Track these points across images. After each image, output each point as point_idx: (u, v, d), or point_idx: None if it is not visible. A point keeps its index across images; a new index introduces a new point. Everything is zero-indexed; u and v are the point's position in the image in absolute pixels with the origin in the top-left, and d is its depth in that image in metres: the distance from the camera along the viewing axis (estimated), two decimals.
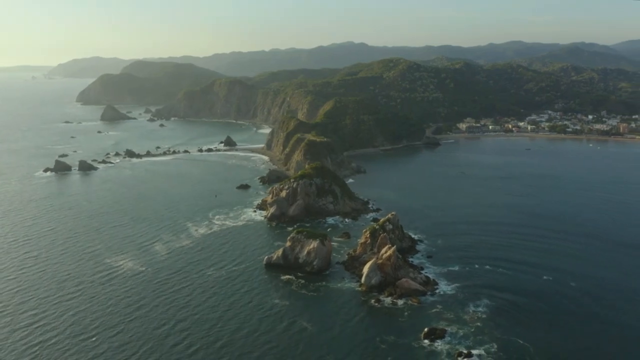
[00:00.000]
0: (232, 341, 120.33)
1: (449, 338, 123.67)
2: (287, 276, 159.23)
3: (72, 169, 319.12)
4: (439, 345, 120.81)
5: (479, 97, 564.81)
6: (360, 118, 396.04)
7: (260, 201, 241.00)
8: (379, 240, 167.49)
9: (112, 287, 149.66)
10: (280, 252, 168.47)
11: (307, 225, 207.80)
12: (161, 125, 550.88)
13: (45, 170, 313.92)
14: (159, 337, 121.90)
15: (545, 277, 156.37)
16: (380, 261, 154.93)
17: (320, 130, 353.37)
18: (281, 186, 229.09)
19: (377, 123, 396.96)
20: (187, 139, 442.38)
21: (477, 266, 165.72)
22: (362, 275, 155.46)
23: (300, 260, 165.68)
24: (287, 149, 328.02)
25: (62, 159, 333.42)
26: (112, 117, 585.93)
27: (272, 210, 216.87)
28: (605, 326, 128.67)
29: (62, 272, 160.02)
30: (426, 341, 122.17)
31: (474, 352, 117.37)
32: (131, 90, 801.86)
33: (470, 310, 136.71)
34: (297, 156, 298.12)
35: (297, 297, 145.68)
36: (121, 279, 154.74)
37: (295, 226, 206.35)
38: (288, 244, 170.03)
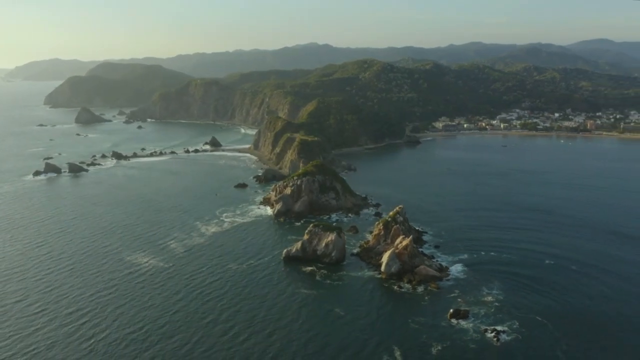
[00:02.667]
0: (278, 330, 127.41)
1: (473, 318, 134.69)
2: (308, 268, 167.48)
3: (62, 171, 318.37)
4: (465, 324, 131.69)
5: (451, 96, 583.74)
6: (343, 118, 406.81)
7: (262, 199, 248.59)
8: (392, 232, 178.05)
9: (144, 283, 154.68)
10: (299, 245, 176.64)
11: (313, 220, 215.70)
12: (139, 127, 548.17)
13: (35, 174, 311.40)
14: (207, 328, 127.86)
15: (547, 261, 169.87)
16: (398, 250, 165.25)
17: (307, 130, 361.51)
18: (285, 184, 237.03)
19: (360, 122, 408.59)
20: (170, 140, 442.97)
21: (483, 253, 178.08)
22: (380, 264, 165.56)
23: (319, 252, 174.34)
24: (278, 149, 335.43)
25: (49, 162, 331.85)
26: (87, 119, 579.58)
27: (278, 206, 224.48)
28: (612, 302, 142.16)
29: (91, 271, 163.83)
30: (453, 320, 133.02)
31: (499, 328, 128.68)
32: (101, 93, 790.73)
33: (486, 293, 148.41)
34: (291, 155, 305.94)
35: (324, 287, 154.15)
36: (151, 275, 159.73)
37: (302, 221, 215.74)
38: (306, 237, 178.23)
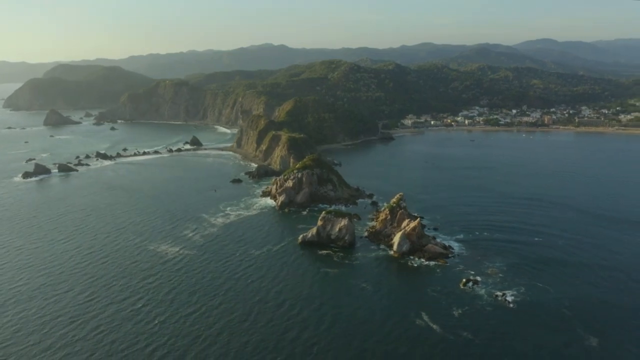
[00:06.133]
0: (325, 303, 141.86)
1: (483, 285, 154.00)
2: (324, 251, 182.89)
3: (52, 171, 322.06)
4: (478, 291, 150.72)
5: (415, 95, 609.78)
6: (321, 116, 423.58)
7: (261, 192, 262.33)
8: (398, 216, 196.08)
9: (184, 269, 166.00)
10: (314, 230, 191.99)
11: (316, 210, 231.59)
12: (112, 128, 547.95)
13: (25, 175, 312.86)
14: (260, 305, 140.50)
15: (536, 238, 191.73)
16: (407, 232, 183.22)
17: (288, 128, 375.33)
18: (285, 177, 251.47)
19: (337, 120, 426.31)
20: (148, 141, 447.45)
21: (477, 233, 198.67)
22: (391, 245, 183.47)
23: (333, 237, 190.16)
24: (264, 146, 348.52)
25: (32, 163, 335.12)
26: (56, 121, 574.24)
27: (281, 198, 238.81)
28: (595, 270, 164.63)
29: (128, 261, 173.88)
30: (467, 288, 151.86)
31: (508, 292, 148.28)
32: (62, 95, 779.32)
33: (489, 265, 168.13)
34: (281, 151, 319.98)
35: (345, 266, 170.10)
36: (187, 263, 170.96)
37: (307, 210, 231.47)
38: (320, 223, 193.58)
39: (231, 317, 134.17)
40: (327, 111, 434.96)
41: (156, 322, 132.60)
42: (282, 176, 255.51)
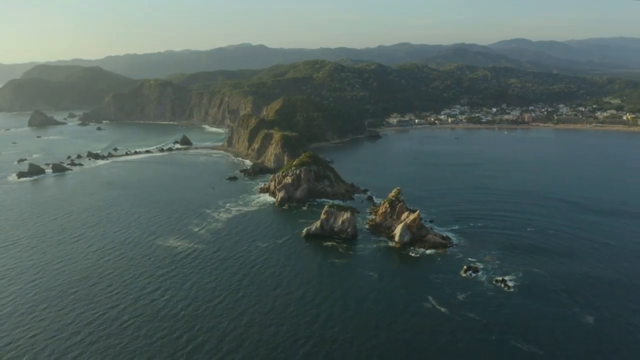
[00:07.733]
0: (347, 292, 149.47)
1: (483, 272, 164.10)
2: (329, 243, 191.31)
3: (46, 171, 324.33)
4: (478, 276, 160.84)
5: (398, 94, 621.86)
6: (310, 115, 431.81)
7: (259, 189, 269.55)
8: (397, 209, 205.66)
9: (201, 263, 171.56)
10: (318, 223, 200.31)
11: (315, 204, 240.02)
12: (99, 128, 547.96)
13: (20, 175, 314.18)
14: (282, 295, 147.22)
15: (529, 229, 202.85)
16: (408, 223, 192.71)
17: (278, 126, 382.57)
18: (283, 174, 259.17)
19: (325, 119, 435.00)
20: (137, 140, 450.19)
21: (472, 224, 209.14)
22: (393, 236, 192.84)
23: (336, 229, 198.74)
24: (256, 144, 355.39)
25: (25, 163, 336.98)
26: (41, 122, 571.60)
27: (281, 194, 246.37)
28: (585, 254, 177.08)
29: (144, 256, 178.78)
30: (468, 273, 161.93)
31: (507, 278, 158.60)
32: (43, 96, 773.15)
33: (486, 254, 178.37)
34: (274, 149, 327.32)
35: (351, 257, 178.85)
36: (204, 257, 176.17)
37: (306, 205, 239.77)
38: (323, 216, 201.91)
39: (256, 308, 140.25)
40: (316, 110, 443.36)
41: (182, 313, 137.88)
42: (280, 173, 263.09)
